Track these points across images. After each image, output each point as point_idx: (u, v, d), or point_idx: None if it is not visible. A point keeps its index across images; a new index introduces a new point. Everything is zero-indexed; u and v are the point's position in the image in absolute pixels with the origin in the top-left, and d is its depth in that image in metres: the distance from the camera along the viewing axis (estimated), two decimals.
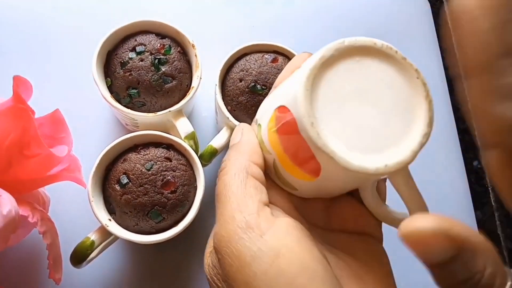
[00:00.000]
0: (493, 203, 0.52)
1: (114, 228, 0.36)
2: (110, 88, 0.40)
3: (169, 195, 0.37)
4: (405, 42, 0.53)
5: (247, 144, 0.27)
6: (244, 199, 0.24)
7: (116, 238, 0.37)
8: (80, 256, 0.36)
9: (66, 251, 0.36)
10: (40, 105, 0.35)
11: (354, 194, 0.30)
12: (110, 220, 0.37)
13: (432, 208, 0.47)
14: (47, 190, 0.39)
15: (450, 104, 0.53)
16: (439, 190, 0.49)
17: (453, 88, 0.54)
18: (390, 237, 0.29)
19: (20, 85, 0.31)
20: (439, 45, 0.55)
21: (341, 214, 0.29)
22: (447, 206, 0.48)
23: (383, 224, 0.30)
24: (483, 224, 0.51)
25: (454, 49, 0.16)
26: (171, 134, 0.39)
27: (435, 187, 0.48)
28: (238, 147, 0.27)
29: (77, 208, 0.41)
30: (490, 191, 0.52)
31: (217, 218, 0.25)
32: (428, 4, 0.56)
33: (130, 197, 0.37)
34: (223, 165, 0.27)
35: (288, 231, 0.23)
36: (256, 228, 0.23)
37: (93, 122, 0.45)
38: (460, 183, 0.50)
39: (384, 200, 0.30)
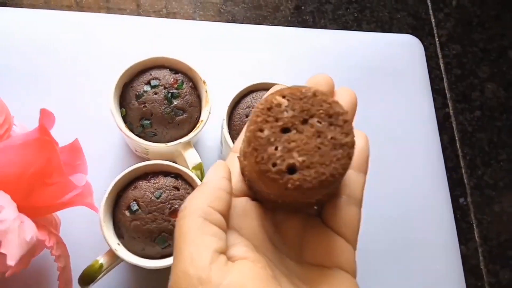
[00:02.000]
0: (477, 239, 0.55)
1: (123, 252, 0.38)
2: (124, 118, 0.43)
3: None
4: (398, 82, 0.56)
5: (210, 186, 0.26)
6: (198, 251, 0.23)
7: (122, 260, 0.39)
8: (88, 279, 0.38)
9: (73, 271, 0.38)
10: (54, 129, 0.37)
11: (330, 225, 0.29)
12: (119, 244, 0.39)
13: (419, 241, 0.50)
14: (58, 212, 0.41)
15: (440, 143, 0.56)
16: (426, 225, 0.52)
17: (442, 128, 0.57)
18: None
19: (45, 117, 0.33)
20: (431, 86, 0.58)
21: (314, 246, 0.28)
22: (433, 240, 0.51)
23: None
24: (467, 258, 0.54)
25: None
26: (177, 163, 0.42)
27: (422, 222, 0.51)
28: (201, 188, 0.26)
29: (85, 230, 0.43)
30: (475, 227, 0.55)
31: (172, 268, 0.24)
32: (422, 48, 0.59)
33: (139, 223, 0.39)
34: (182, 206, 0.26)
35: (244, 277, 0.23)
36: (208, 283, 0.22)
37: (103, 148, 0.48)
38: (446, 218, 0.53)
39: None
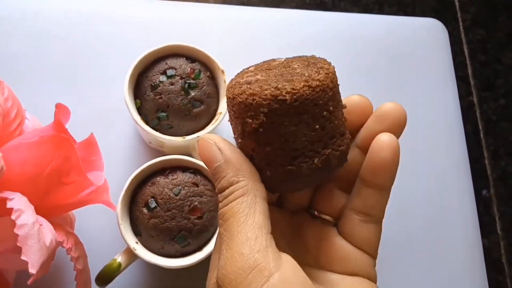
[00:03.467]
0: (499, 232, 0.54)
1: (142, 251, 0.37)
2: (139, 109, 0.41)
3: (196, 220, 0.38)
4: (421, 69, 0.54)
5: (243, 163, 0.25)
6: (254, 231, 0.23)
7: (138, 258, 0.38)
8: (106, 278, 0.36)
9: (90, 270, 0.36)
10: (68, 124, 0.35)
11: (348, 241, 0.28)
12: (137, 243, 0.37)
13: (440, 234, 0.49)
14: None
15: (464, 133, 0.54)
16: (448, 217, 0.50)
17: (467, 117, 0.55)
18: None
19: (61, 112, 0.32)
20: (455, 73, 0.56)
21: (331, 256, 0.28)
22: (455, 233, 0.50)
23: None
24: (489, 251, 0.53)
25: None
26: (193, 156, 0.40)
27: (444, 214, 0.50)
28: (234, 167, 0.25)
29: (100, 227, 0.42)
30: (497, 220, 0.54)
31: (223, 250, 0.23)
32: (446, 32, 0.57)
33: (157, 221, 0.37)
34: (225, 186, 0.25)
35: (294, 272, 0.23)
36: (264, 269, 0.22)
37: (116, 140, 0.46)
38: (469, 211, 0.52)
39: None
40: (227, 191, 0.25)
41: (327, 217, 0.29)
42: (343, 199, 0.29)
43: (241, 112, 0.24)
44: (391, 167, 0.26)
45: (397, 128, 0.27)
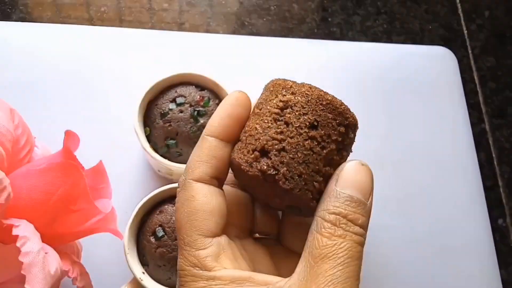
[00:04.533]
0: None
1: (148, 282, 0.36)
2: (148, 137, 0.41)
3: None
4: (432, 97, 0.54)
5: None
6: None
7: None
8: None
9: None
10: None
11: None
12: (143, 273, 0.37)
13: (456, 264, 0.47)
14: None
15: (477, 161, 0.53)
16: (463, 247, 0.49)
17: (478, 145, 0.54)
18: None
19: (70, 139, 0.32)
20: (466, 101, 0.55)
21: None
22: (472, 264, 0.48)
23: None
24: (507, 284, 0.51)
25: None
26: None
27: (460, 243, 0.48)
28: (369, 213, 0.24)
29: (107, 256, 0.41)
30: None
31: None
32: (456, 60, 0.57)
33: (165, 250, 0.37)
34: (366, 225, 0.24)
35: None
36: None
37: (123, 168, 0.46)
38: (485, 241, 0.50)
39: None
40: (358, 229, 0.23)
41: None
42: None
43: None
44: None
45: None
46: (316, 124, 0.24)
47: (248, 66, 0.52)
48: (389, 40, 0.58)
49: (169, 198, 0.39)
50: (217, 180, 0.25)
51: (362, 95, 0.53)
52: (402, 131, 0.52)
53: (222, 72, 0.46)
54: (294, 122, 0.24)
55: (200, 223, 0.24)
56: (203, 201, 0.24)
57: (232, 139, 0.26)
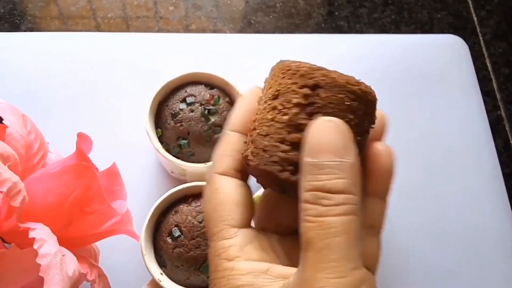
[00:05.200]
0: None
1: (167, 283, 0.36)
2: (160, 138, 0.41)
3: None
4: (444, 85, 0.53)
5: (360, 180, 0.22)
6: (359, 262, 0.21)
7: None
8: None
9: None
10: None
11: None
12: (161, 274, 0.36)
13: (476, 252, 0.46)
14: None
15: (494, 148, 0.52)
16: (484, 235, 0.48)
17: (495, 132, 0.53)
18: None
19: (82, 142, 0.32)
20: (480, 88, 0.54)
21: None
22: (492, 252, 0.47)
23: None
24: None
25: None
26: None
27: (480, 232, 0.47)
28: (355, 177, 0.21)
29: (124, 259, 0.41)
30: None
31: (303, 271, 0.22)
32: (467, 48, 0.56)
33: (182, 250, 0.36)
34: (339, 189, 0.21)
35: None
36: None
37: (137, 171, 0.46)
38: (506, 228, 0.49)
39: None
40: (339, 198, 0.20)
41: None
42: None
43: None
44: (392, 173, 0.25)
45: (380, 134, 0.26)
46: (277, 93, 0.23)
47: (256, 64, 0.52)
48: (397, 31, 0.57)
49: (184, 198, 0.39)
50: (242, 174, 0.25)
51: (374, 88, 0.52)
52: (417, 122, 0.51)
53: (230, 71, 0.46)
54: (263, 99, 0.24)
55: (225, 213, 0.24)
56: (227, 192, 0.24)
57: None
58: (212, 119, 0.41)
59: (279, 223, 0.26)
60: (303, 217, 0.21)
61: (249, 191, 0.25)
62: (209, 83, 0.42)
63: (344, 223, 0.20)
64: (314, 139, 0.21)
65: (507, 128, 0.54)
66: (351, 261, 0.20)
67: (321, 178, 0.20)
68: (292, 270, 0.22)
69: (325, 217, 0.20)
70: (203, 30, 0.56)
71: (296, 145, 0.22)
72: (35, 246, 0.26)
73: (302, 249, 0.21)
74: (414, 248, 0.46)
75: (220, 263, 0.23)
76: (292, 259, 0.26)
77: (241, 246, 0.23)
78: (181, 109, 0.41)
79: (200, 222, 0.37)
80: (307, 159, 0.21)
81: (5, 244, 0.30)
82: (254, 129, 0.24)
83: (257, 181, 0.26)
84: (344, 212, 0.20)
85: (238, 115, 0.26)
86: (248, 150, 0.24)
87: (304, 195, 0.21)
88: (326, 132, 0.21)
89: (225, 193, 0.24)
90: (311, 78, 0.22)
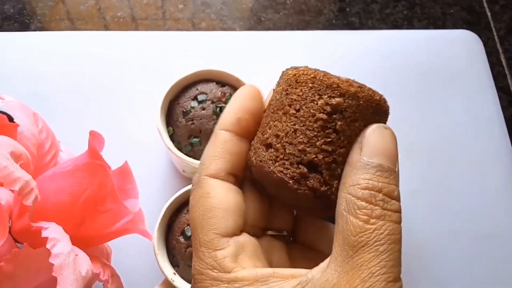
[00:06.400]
0: None
1: (180, 283, 0.35)
2: (171, 137, 0.40)
3: None
4: (458, 81, 0.52)
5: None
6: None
7: None
8: None
9: None
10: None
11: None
12: (174, 274, 0.36)
13: (493, 253, 0.45)
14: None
15: (510, 145, 0.51)
16: (499, 235, 0.47)
17: (510, 129, 0.52)
18: None
19: (95, 140, 0.31)
20: (495, 84, 0.53)
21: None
22: (509, 253, 0.46)
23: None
24: None
25: None
26: None
27: (496, 231, 0.46)
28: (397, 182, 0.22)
29: (136, 258, 0.40)
30: None
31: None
32: (481, 43, 0.55)
33: None
34: (395, 197, 0.21)
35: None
36: None
37: (148, 170, 0.45)
38: None
39: None
40: (397, 205, 0.20)
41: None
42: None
43: None
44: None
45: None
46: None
47: (267, 62, 0.51)
48: (410, 26, 0.56)
49: None
50: (234, 177, 0.24)
51: (386, 85, 0.51)
52: (430, 118, 0.50)
53: (241, 69, 0.45)
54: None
55: (217, 221, 0.22)
56: (220, 198, 0.22)
57: (248, 134, 0.24)
58: None
59: (253, 224, 0.25)
60: (355, 213, 0.20)
61: (241, 196, 0.24)
62: (221, 80, 0.42)
63: (399, 231, 0.20)
64: (374, 141, 0.21)
65: None
66: (399, 271, 0.20)
67: (379, 180, 0.20)
68: (298, 271, 0.21)
69: (384, 221, 0.20)
70: (213, 28, 0.56)
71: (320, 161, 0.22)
72: (48, 246, 0.25)
73: (343, 248, 0.20)
74: (429, 246, 0.45)
75: (217, 277, 0.21)
76: (283, 261, 0.25)
77: (234, 257, 0.22)
78: (193, 107, 0.40)
79: None
80: (365, 158, 0.21)
81: (17, 244, 0.30)
82: (304, 150, 0.22)
83: (257, 186, 0.25)
84: (399, 220, 0.20)
85: (230, 114, 0.24)
86: (266, 156, 0.23)
87: (359, 192, 0.20)
88: (384, 138, 0.21)
89: (217, 198, 0.22)
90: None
